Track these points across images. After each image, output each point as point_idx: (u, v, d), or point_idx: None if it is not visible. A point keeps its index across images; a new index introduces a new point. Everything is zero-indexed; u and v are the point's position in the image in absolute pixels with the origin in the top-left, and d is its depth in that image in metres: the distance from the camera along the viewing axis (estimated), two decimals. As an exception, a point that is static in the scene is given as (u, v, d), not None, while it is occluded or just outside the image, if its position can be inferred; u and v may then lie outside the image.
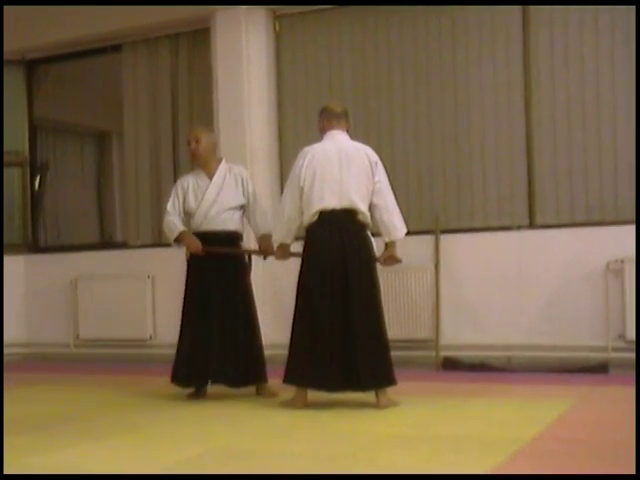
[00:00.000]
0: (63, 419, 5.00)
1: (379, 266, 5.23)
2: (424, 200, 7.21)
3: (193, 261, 5.74)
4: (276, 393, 5.58)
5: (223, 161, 5.87)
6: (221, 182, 5.76)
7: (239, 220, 5.83)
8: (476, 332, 6.87)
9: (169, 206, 5.81)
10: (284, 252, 5.42)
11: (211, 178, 5.76)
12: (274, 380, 5.60)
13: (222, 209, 5.72)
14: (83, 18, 8.11)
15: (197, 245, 5.66)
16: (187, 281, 5.80)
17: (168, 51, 8.24)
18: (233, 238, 5.81)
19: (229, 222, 5.75)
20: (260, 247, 5.82)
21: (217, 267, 5.68)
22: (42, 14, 8.17)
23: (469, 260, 6.95)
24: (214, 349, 5.59)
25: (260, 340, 5.76)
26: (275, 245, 5.46)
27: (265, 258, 5.83)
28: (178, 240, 5.76)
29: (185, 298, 5.78)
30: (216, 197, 5.71)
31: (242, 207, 5.82)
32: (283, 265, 5.64)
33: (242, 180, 5.84)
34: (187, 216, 5.82)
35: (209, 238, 5.68)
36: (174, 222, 5.75)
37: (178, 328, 5.81)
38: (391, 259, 5.26)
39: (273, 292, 7.17)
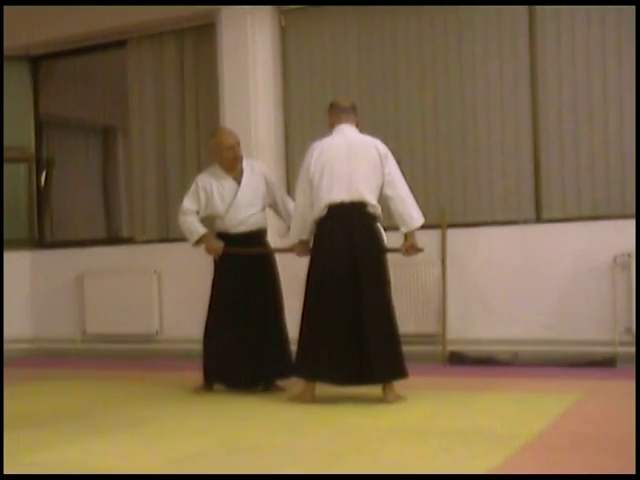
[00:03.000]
0: (69, 414, 5.01)
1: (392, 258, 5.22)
2: (430, 195, 7.19)
3: (222, 261, 5.71)
4: (283, 388, 5.59)
5: (244, 160, 5.80)
6: (249, 185, 5.70)
7: (265, 218, 5.82)
8: (483, 326, 6.86)
9: (187, 205, 5.71)
10: (304, 248, 5.37)
11: (236, 180, 5.70)
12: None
13: (252, 212, 5.68)
14: (88, 14, 8.10)
15: (218, 249, 5.65)
16: (215, 280, 5.75)
17: (173, 46, 8.24)
18: (261, 236, 5.80)
19: (258, 223, 5.74)
20: (282, 250, 5.78)
21: (246, 266, 5.64)
22: (47, 10, 8.16)
23: (476, 255, 6.94)
24: (245, 350, 5.57)
25: (287, 336, 5.71)
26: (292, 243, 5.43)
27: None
28: (199, 242, 5.74)
29: (213, 296, 5.74)
30: (249, 201, 5.67)
31: (269, 205, 5.83)
32: (288, 260, 5.63)
33: (265, 178, 5.81)
34: (209, 218, 5.77)
35: (239, 238, 5.66)
36: (194, 224, 5.70)
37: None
38: (412, 249, 5.24)
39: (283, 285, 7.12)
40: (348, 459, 3.57)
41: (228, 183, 5.70)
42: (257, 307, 5.63)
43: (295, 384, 5.26)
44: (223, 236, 5.71)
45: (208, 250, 5.71)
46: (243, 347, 5.58)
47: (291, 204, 5.72)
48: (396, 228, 5.25)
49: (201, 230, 5.70)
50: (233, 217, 5.66)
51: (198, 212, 5.72)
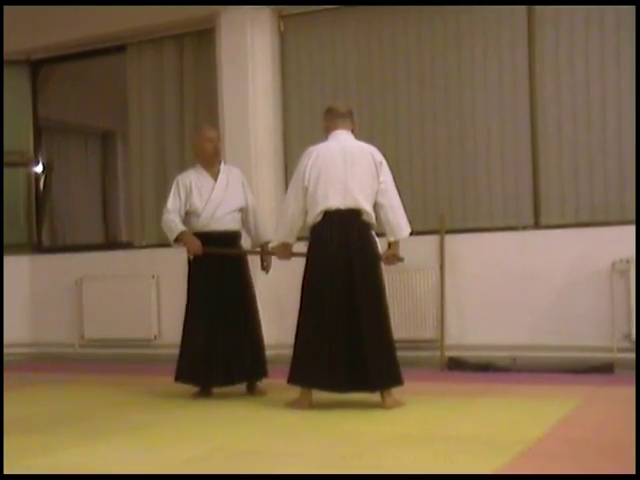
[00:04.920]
0: (67, 419, 5.01)
1: (383, 266, 5.24)
2: (429, 200, 7.20)
3: (196, 261, 5.75)
4: (265, 392, 5.68)
5: (223, 162, 5.95)
6: (225, 183, 5.80)
7: (240, 220, 5.88)
8: (481, 332, 6.86)
9: (169, 204, 5.78)
10: (286, 252, 5.41)
11: (214, 178, 5.79)
12: (274, 380, 5.65)
13: (227, 210, 5.76)
14: (88, 18, 8.10)
15: (197, 246, 5.69)
16: (190, 281, 5.81)
17: (173, 51, 8.24)
18: (235, 237, 5.86)
19: (232, 222, 5.81)
20: (262, 252, 5.87)
21: (220, 266, 5.70)
22: (47, 14, 8.16)
23: (474, 260, 6.94)
24: (220, 348, 5.61)
25: (262, 335, 5.79)
26: (276, 244, 5.46)
27: (265, 269, 5.89)
28: (178, 240, 5.77)
29: (189, 298, 5.80)
30: (222, 198, 5.74)
31: (241, 209, 5.87)
32: (284, 266, 5.64)
33: (243, 183, 5.92)
34: (188, 215, 5.82)
35: (214, 238, 5.71)
36: (174, 221, 5.74)
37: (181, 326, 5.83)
38: (394, 258, 5.26)
39: (274, 292, 7.15)
40: (347, 464, 3.56)
41: (206, 180, 5.80)
42: (230, 308, 5.67)
43: (283, 388, 5.26)
44: (199, 236, 5.75)
45: (189, 248, 5.75)
46: (215, 346, 5.62)
47: (264, 225, 5.91)
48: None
49: (180, 227, 5.74)
50: (209, 214, 5.71)
51: (180, 211, 5.77)
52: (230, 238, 5.80)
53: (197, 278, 5.76)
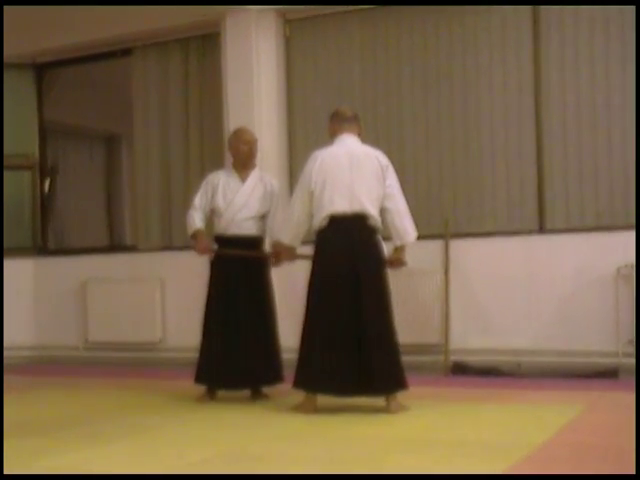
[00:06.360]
0: (71, 422, 5.01)
1: (388, 270, 5.23)
2: (434, 205, 7.20)
3: (216, 263, 5.77)
4: (269, 396, 5.69)
5: (257, 168, 5.90)
6: (252, 188, 5.78)
7: (263, 226, 5.85)
8: (485, 337, 6.85)
9: (196, 200, 5.83)
10: (290, 255, 5.43)
11: (243, 181, 5.78)
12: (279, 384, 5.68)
13: (248, 215, 5.74)
14: (93, 22, 8.11)
15: (203, 247, 5.74)
16: (209, 282, 5.80)
17: (178, 55, 8.25)
18: (256, 243, 5.83)
19: (253, 228, 5.78)
20: (267, 255, 5.86)
21: (239, 269, 5.69)
22: (52, 18, 8.16)
23: (479, 265, 6.93)
24: (237, 352, 5.60)
25: (277, 340, 5.78)
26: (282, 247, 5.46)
27: (276, 264, 5.79)
28: (193, 237, 5.80)
29: (207, 300, 5.78)
30: (245, 203, 5.73)
31: (265, 215, 5.85)
32: (302, 269, 5.61)
33: (272, 189, 5.86)
34: (212, 213, 5.84)
35: (233, 242, 5.71)
36: (194, 219, 5.79)
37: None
38: (398, 262, 5.26)
39: (291, 296, 7.10)
40: (351, 468, 3.56)
41: (235, 182, 5.79)
42: (248, 312, 5.66)
43: (288, 393, 5.26)
44: (220, 239, 5.78)
45: (195, 246, 5.79)
46: (232, 350, 5.61)
47: (277, 220, 5.75)
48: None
49: (197, 224, 5.77)
50: (229, 217, 5.71)
51: (205, 209, 5.80)
52: (249, 243, 5.77)
53: (216, 280, 5.76)
